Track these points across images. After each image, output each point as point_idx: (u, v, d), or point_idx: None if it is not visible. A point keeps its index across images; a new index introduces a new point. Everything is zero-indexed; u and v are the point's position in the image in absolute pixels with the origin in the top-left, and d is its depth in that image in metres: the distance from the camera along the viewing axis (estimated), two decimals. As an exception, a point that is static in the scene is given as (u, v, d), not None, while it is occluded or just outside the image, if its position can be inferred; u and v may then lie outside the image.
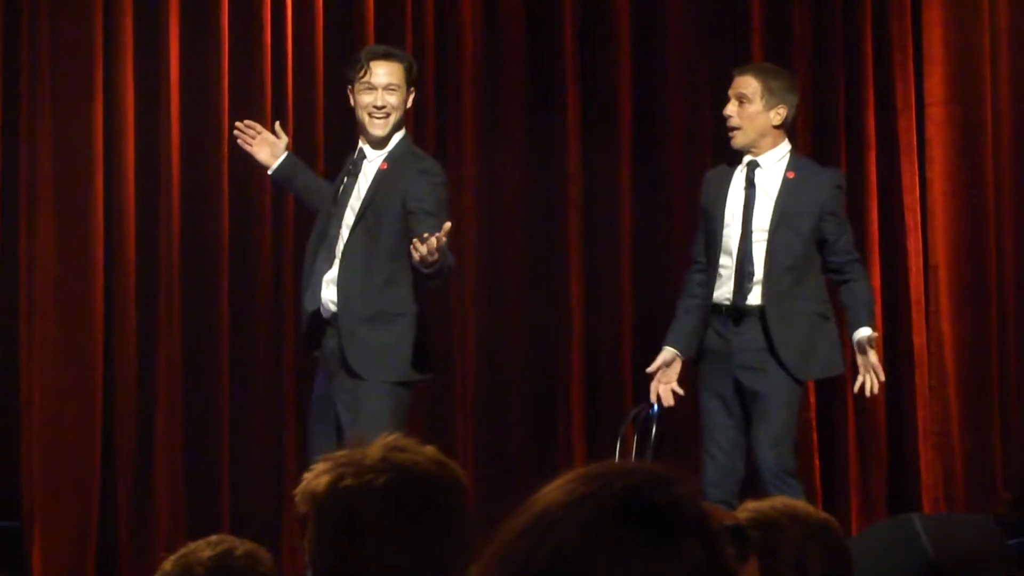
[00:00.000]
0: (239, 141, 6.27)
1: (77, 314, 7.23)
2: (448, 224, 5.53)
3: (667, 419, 6.53)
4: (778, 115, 6.12)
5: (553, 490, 1.59)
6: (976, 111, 7.73)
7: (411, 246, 5.48)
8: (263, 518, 7.21)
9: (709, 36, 7.79)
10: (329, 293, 5.87)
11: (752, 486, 5.95)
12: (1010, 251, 7.73)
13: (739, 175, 6.15)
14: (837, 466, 7.65)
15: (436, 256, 5.44)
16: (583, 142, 7.69)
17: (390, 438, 2.48)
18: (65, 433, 7.20)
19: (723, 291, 6.08)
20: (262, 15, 7.43)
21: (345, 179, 5.99)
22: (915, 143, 7.73)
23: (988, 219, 7.71)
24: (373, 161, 5.96)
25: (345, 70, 6.08)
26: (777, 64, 6.58)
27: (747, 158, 6.15)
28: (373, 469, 2.41)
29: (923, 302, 7.68)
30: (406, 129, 6.07)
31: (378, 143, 5.95)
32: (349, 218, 5.91)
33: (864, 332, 6.02)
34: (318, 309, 5.89)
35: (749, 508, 2.96)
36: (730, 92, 6.17)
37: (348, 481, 2.40)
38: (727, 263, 6.08)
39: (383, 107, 5.91)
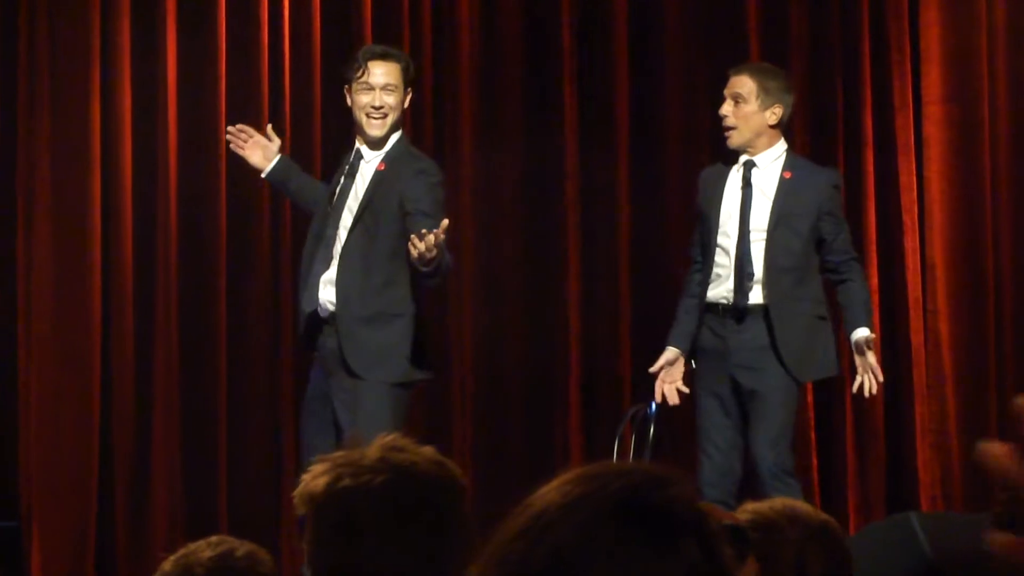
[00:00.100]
0: (231, 145, 6.26)
1: (75, 315, 7.23)
2: (446, 221, 5.54)
3: (665, 419, 6.53)
4: (774, 115, 6.12)
5: (550, 490, 1.59)
6: (973, 110, 7.73)
7: (409, 243, 5.49)
8: (261, 518, 7.21)
9: (707, 36, 7.79)
10: (327, 293, 5.87)
11: (750, 486, 5.95)
12: (1007, 250, 7.72)
13: (735, 175, 6.14)
14: (835, 465, 7.65)
15: (434, 253, 5.44)
16: (580, 142, 7.68)
17: (388, 438, 2.48)
18: (63, 433, 7.20)
19: (720, 290, 6.07)
20: (259, 15, 7.43)
21: (342, 180, 5.98)
22: (912, 142, 7.73)
23: (985, 218, 7.70)
24: (370, 162, 5.96)
25: (343, 70, 6.08)
26: (774, 64, 6.58)
27: (743, 158, 6.14)
28: (371, 469, 2.41)
29: (921, 301, 7.67)
30: (403, 129, 6.07)
31: (375, 143, 5.95)
32: (347, 219, 5.90)
33: (862, 333, 6.02)
34: (316, 310, 5.89)
35: (749, 509, 2.96)
36: (726, 92, 6.16)
37: (346, 482, 2.40)
38: (724, 262, 6.07)
39: (381, 107, 5.91)
